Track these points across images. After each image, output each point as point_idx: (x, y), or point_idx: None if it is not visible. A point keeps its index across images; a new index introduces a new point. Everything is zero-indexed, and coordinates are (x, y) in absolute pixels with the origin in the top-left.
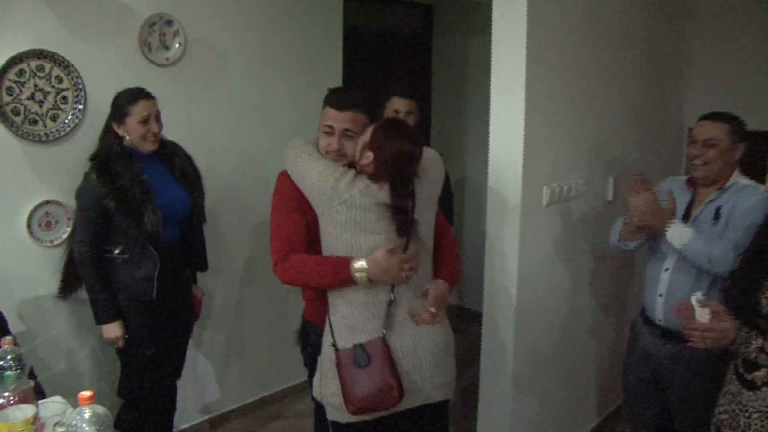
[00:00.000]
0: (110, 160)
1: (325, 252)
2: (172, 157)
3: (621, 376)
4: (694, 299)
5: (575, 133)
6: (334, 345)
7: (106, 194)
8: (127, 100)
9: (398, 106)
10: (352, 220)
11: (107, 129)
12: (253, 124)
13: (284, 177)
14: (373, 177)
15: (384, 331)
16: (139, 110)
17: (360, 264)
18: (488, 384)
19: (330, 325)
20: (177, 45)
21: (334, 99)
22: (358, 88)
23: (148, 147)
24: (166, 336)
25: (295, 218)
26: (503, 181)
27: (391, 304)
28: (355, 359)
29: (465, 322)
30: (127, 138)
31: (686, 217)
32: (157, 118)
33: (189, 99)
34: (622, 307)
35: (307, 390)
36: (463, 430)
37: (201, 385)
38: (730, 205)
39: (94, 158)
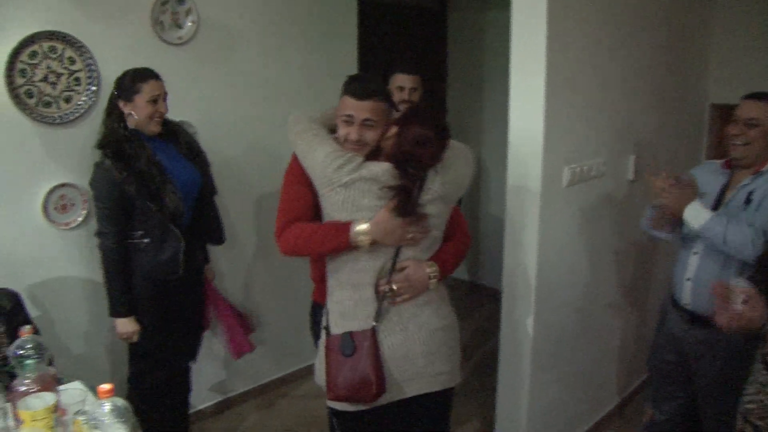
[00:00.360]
0: (120, 143)
1: None
2: (176, 136)
3: (647, 358)
4: (734, 284)
5: (596, 112)
6: (327, 329)
7: (124, 180)
8: (136, 78)
9: (402, 82)
10: (350, 201)
11: (110, 110)
12: (266, 102)
13: None
14: (389, 155)
15: (374, 323)
16: (149, 89)
17: (362, 227)
18: (507, 364)
19: (327, 308)
20: (189, 23)
21: (353, 88)
22: (377, 77)
23: (153, 128)
24: (178, 325)
25: (302, 192)
26: (523, 161)
27: (385, 295)
28: (342, 347)
29: (481, 300)
30: (135, 116)
31: (719, 202)
32: (165, 99)
33: (202, 78)
34: (645, 287)
35: None
36: (480, 407)
37: (214, 366)
38: (763, 189)
39: (103, 145)
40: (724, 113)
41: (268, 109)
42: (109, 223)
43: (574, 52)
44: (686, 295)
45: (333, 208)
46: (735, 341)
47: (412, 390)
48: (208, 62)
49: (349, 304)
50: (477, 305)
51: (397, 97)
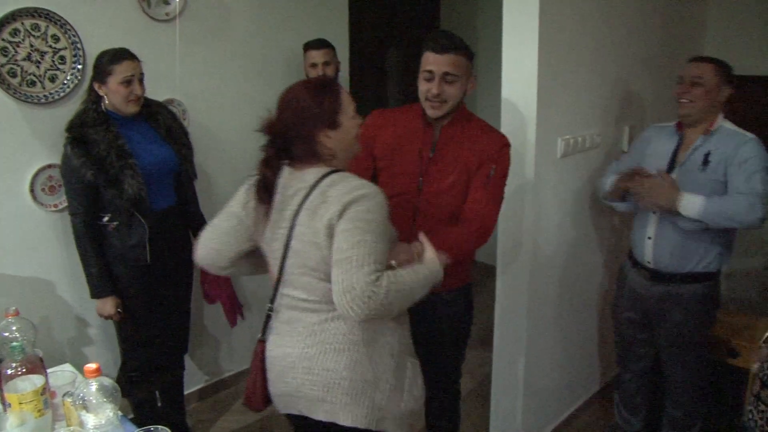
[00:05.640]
0: (85, 128)
1: None
2: (155, 116)
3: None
4: None
5: (590, 83)
6: None
7: (82, 165)
8: (109, 59)
9: (313, 58)
10: None
11: (89, 90)
12: (257, 79)
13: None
14: None
15: (260, 336)
16: (122, 70)
17: None
18: (503, 341)
19: None
20: None
21: (433, 42)
22: (453, 34)
23: (130, 109)
24: (165, 309)
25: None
26: (517, 133)
27: (270, 312)
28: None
29: (479, 277)
30: (106, 100)
31: (673, 163)
32: (141, 80)
33: (190, 55)
34: None
35: None
36: (477, 381)
37: (208, 347)
38: (720, 151)
39: (68, 129)
40: None
41: (258, 87)
42: (77, 205)
43: (567, 22)
44: (648, 254)
45: None
46: (696, 294)
47: (299, 407)
48: (197, 39)
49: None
50: (476, 283)
51: (312, 74)
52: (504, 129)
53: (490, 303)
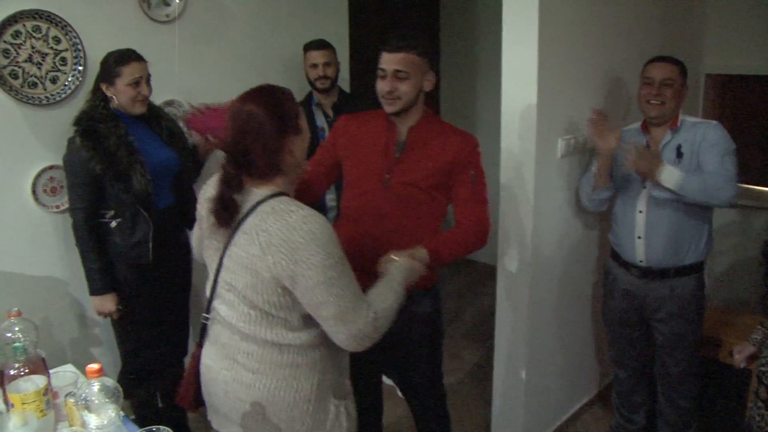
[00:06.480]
0: (94, 122)
1: None
2: (158, 119)
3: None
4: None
5: (589, 83)
6: None
7: (91, 158)
8: (117, 60)
9: (314, 59)
10: None
11: (95, 90)
12: (256, 80)
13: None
14: None
15: (196, 342)
16: (130, 71)
17: None
18: (503, 343)
19: None
20: (177, 0)
21: (386, 41)
22: (415, 30)
23: (138, 110)
24: (164, 309)
25: (320, 154)
26: (517, 133)
27: (205, 321)
28: None
29: (479, 277)
30: (116, 100)
31: None
32: (148, 81)
33: (190, 56)
34: None
35: None
36: (479, 383)
37: None
38: (690, 142)
39: (77, 122)
40: (719, 83)
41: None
42: (79, 200)
43: (568, 22)
44: (639, 253)
45: None
46: (692, 287)
47: (217, 422)
48: (197, 40)
49: None
50: (477, 284)
51: (312, 74)
52: (504, 129)
53: (492, 303)
